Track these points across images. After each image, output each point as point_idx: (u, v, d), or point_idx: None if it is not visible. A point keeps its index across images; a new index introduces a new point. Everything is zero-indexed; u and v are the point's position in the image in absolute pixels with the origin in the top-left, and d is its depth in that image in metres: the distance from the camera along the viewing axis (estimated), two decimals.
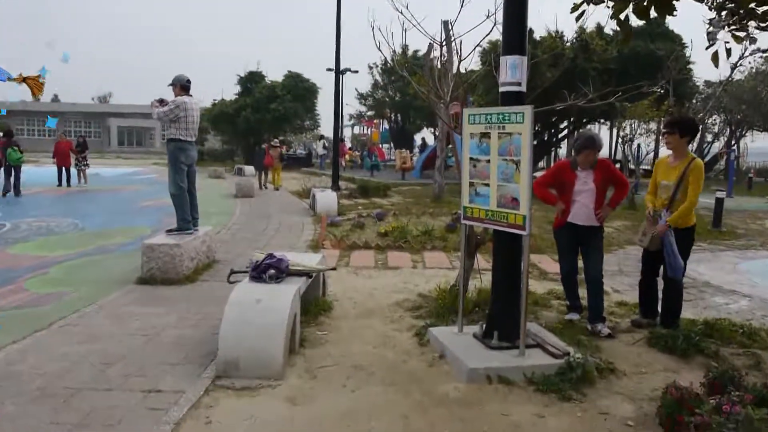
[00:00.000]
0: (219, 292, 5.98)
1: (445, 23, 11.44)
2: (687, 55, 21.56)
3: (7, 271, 7.35)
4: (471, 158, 4.47)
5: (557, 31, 19.49)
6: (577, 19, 3.86)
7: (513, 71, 4.24)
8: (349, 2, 31.96)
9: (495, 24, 5.41)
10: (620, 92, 6.36)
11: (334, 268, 5.81)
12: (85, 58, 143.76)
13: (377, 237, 9.84)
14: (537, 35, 19.48)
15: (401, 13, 5.67)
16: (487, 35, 5.59)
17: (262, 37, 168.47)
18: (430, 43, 16.07)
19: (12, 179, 16.79)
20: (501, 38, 4.41)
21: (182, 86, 7.41)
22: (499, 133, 4.19)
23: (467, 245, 5.18)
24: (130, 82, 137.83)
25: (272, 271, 4.57)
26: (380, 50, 5.86)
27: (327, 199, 13.23)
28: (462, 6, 5.64)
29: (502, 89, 4.34)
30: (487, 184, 4.33)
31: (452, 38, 6.93)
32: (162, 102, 7.38)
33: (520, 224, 4.11)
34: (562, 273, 5.51)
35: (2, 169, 16.96)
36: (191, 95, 7.49)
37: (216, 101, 40.69)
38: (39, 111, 70.34)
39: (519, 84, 4.26)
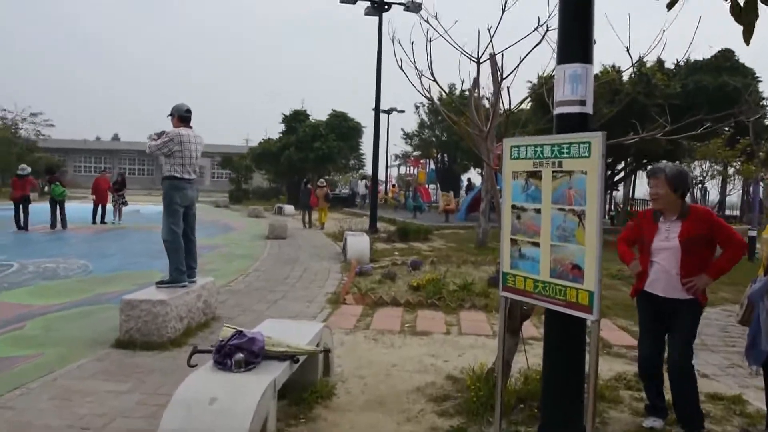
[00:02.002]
0: (207, 360, 4.83)
1: (492, 57, 10.37)
2: (760, 90, 19.74)
3: None
4: (514, 206, 3.22)
5: (613, 66, 18.13)
6: (669, 6, 2.64)
7: (574, 85, 3.01)
8: (395, 46, 31.39)
9: (547, 31, 4.21)
10: (699, 124, 5.02)
11: (328, 351, 4.57)
12: (147, 98, 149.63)
13: (408, 291, 8.58)
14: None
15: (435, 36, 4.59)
16: (536, 45, 4.38)
17: (309, 76, 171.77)
18: (475, 78, 14.91)
19: (57, 214, 17.25)
20: (556, 48, 3.20)
21: (180, 117, 6.47)
22: (553, 171, 2.95)
23: (508, 320, 3.89)
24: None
25: (240, 355, 3.38)
26: (425, 91, 4.75)
27: (359, 244, 12.07)
28: (504, 12, 4.49)
29: (557, 110, 3.11)
30: (537, 244, 3.07)
31: (498, 69, 5.77)
32: (161, 135, 6.44)
33: (584, 304, 2.82)
34: (639, 358, 4.12)
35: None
36: (191, 127, 6.53)
37: (263, 140, 40.68)
38: (98, 150, 72.77)
39: (583, 103, 3.02)
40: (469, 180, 34.94)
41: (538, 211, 3.06)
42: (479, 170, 40.58)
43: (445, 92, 4.65)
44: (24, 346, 5.63)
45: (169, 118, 6.53)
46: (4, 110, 58.05)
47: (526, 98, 5.79)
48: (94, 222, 19.16)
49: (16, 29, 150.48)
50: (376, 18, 18.78)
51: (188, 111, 6.50)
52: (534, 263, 3.11)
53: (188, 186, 6.41)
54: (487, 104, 6.15)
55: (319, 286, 9.14)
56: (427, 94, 4.79)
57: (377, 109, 19.04)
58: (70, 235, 16.05)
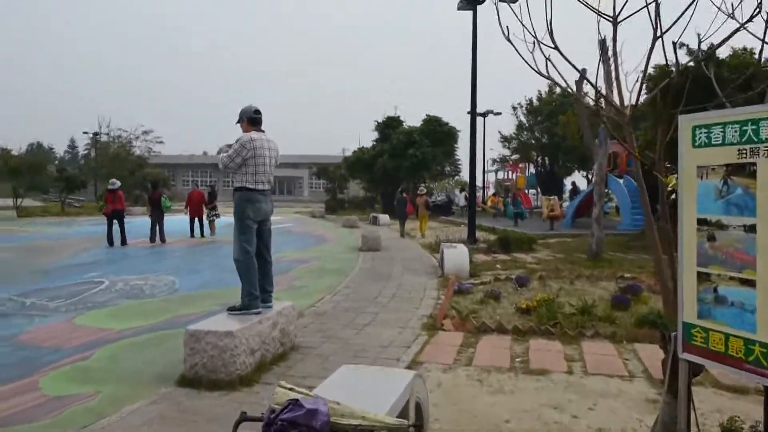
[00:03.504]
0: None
1: (602, 42, 9.01)
2: None
3: (50, 351, 5.96)
4: (703, 222, 2.06)
5: (745, 48, 15.86)
6: None
7: None
8: (489, 44, 30.07)
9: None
10: None
11: (419, 427, 3.49)
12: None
13: (516, 314, 7.39)
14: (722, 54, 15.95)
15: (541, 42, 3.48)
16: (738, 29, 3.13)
17: (402, 82, 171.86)
18: (582, 69, 13.38)
19: (157, 228, 17.56)
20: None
21: (250, 119, 5.70)
22: None
23: (669, 377, 2.70)
24: (282, 134, 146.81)
25: None
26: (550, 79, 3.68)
27: (457, 256, 10.96)
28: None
29: None
30: (749, 282, 1.89)
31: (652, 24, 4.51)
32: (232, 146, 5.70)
33: None
34: None
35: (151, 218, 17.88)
36: (263, 131, 5.74)
37: (357, 149, 40.47)
38: (203, 164, 76.10)
39: None
40: (573, 183, 32.78)
41: (752, 228, 1.89)
42: (584, 172, 38.22)
43: (571, 63, 3.47)
44: (82, 382, 5.03)
45: (238, 124, 5.79)
46: (120, 129, 62.10)
47: (688, 63, 4.46)
48: (192, 235, 19.29)
49: (129, 54, 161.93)
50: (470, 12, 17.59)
51: (257, 112, 5.72)
52: (744, 312, 1.93)
53: (262, 198, 5.62)
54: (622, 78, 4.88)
55: (413, 307, 8.14)
56: (543, 72, 3.67)
57: (473, 112, 17.85)
58: (165, 250, 16.08)
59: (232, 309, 5.55)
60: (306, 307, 8.11)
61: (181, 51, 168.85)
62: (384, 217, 28.39)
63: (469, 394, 4.67)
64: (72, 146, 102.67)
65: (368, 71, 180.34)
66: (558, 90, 36.96)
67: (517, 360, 5.59)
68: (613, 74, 3.54)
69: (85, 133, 59.37)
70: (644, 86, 3.54)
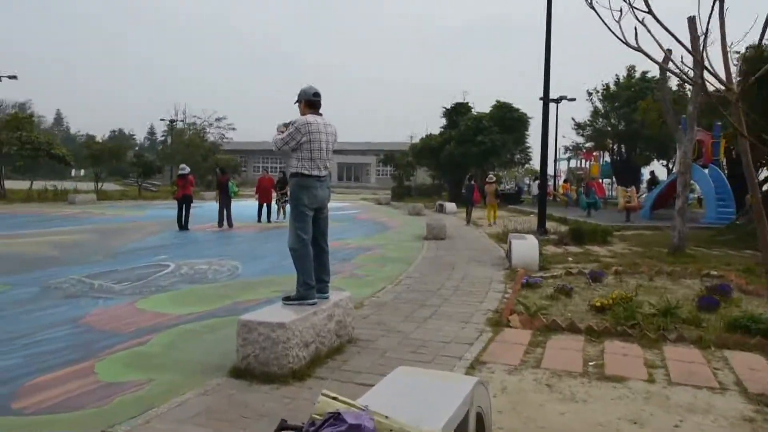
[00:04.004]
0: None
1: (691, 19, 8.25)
2: None
3: (110, 335, 5.96)
4: None
5: None
6: None
7: None
8: (564, 25, 28.87)
9: None
10: None
11: None
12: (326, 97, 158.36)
13: (590, 312, 6.87)
14: None
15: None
16: None
17: (471, 66, 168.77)
18: (668, 49, 12.37)
19: (225, 213, 17.82)
20: None
21: (308, 102, 5.44)
22: None
23: None
24: (350, 121, 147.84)
25: None
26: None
27: (526, 248, 10.44)
28: None
29: None
30: None
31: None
32: (288, 126, 5.48)
33: None
34: None
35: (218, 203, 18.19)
36: (321, 114, 5.48)
37: (425, 136, 40.02)
38: (271, 150, 77.53)
39: None
40: (652, 173, 31.09)
41: None
42: (663, 162, 36.27)
43: (666, 29, 2.99)
44: (136, 369, 4.95)
45: (296, 105, 5.54)
46: (194, 116, 64.16)
47: None
48: (259, 220, 19.51)
49: (202, 44, 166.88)
50: None
51: (317, 94, 5.45)
52: None
53: (318, 184, 5.36)
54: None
55: (478, 300, 7.74)
56: (632, 42, 3.20)
57: (545, 98, 17.06)
58: (232, 235, 16.28)
59: (287, 299, 5.34)
60: (366, 297, 7.86)
61: (256, 41, 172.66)
62: (450, 205, 27.91)
63: (536, 401, 4.26)
64: (151, 132, 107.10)
65: (437, 54, 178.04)
66: (638, 74, 35.17)
67: (590, 364, 5.12)
68: (720, 47, 3.02)
69: (162, 120, 61.66)
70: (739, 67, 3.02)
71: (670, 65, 4.16)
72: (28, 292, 7.95)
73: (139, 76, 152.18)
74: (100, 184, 35.58)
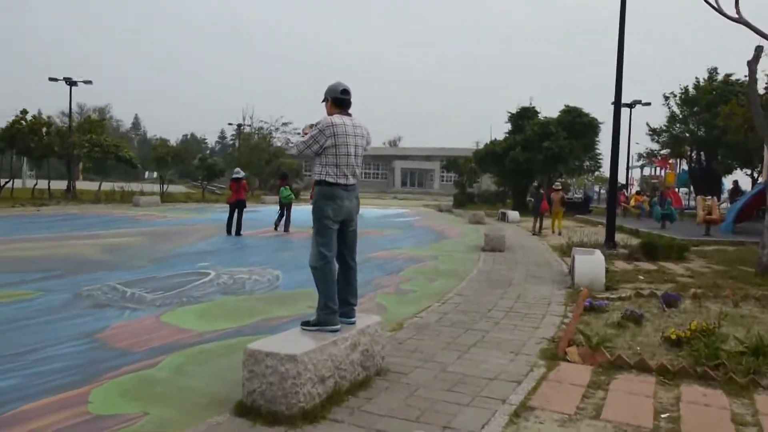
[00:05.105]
0: None
1: None
2: None
3: (120, 354, 5.50)
4: None
5: None
6: None
7: None
8: (638, 27, 27.14)
9: None
10: None
11: None
12: (388, 101, 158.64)
13: (662, 346, 5.90)
14: None
15: None
16: None
17: (541, 70, 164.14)
18: (758, 46, 11.08)
19: (283, 218, 17.91)
20: None
21: (335, 100, 4.79)
22: None
23: None
24: (418, 126, 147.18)
25: None
26: None
27: (591, 265, 9.42)
28: None
29: None
30: None
31: None
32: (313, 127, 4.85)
33: None
34: None
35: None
36: (350, 114, 4.83)
37: (489, 142, 38.91)
38: None
39: None
40: (735, 183, 28.84)
41: None
42: (748, 170, 33.69)
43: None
44: (133, 399, 4.42)
45: (323, 104, 4.92)
46: (261, 121, 65.29)
47: None
48: None
49: (266, 50, 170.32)
50: None
51: (345, 92, 4.80)
52: None
53: (344, 194, 4.70)
54: None
55: (532, 326, 6.88)
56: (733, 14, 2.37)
57: (617, 103, 15.80)
58: (283, 241, 15.93)
59: (306, 324, 4.69)
60: (408, 317, 7.15)
61: (328, 49, 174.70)
62: (513, 214, 26.78)
63: None
64: (222, 137, 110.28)
65: (503, 55, 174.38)
66: (720, 77, 32.85)
67: (663, 417, 4.21)
68: None
69: (230, 124, 62.97)
70: None
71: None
72: (58, 300, 7.69)
73: (212, 81, 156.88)
74: (165, 186, 36.41)
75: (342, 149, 4.64)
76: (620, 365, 5.29)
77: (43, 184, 31.78)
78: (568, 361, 5.47)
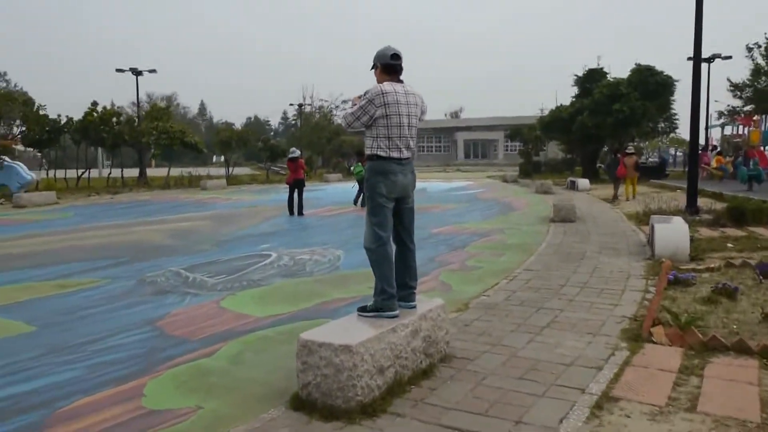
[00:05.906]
0: None
1: None
2: None
3: (178, 342, 5.39)
4: None
5: None
6: None
7: None
8: None
9: None
10: None
11: None
12: (444, 71, 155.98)
13: (764, 323, 5.25)
14: None
15: None
16: None
17: (607, 29, 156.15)
18: None
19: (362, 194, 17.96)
20: None
21: (385, 66, 4.39)
22: None
23: None
24: (480, 95, 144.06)
25: None
26: None
27: (673, 234, 8.68)
28: None
29: None
30: None
31: None
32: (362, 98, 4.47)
33: None
34: None
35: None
36: (401, 81, 4.42)
37: (554, 107, 37.41)
38: None
39: None
40: None
41: None
42: None
43: None
44: (188, 391, 4.25)
45: (372, 71, 4.52)
46: (321, 99, 65.50)
47: None
48: None
49: (327, 25, 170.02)
50: None
51: (396, 56, 4.38)
52: None
53: (398, 169, 4.31)
54: None
55: (611, 303, 6.33)
56: None
57: (696, 58, 14.56)
58: (349, 218, 15.77)
59: (362, 309, 4.38)
60: (473, 296, 6.74)
61: (394, 21, 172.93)
62: (583, 182, 25.65)
63: None
64: (284, 118, 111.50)
65: (569, 18, 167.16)
66: None
67: None
68: None
69: (291, 104, 63.43)
70: None
71: None
72: (123, 287, 7.73)
73: (270, 64, 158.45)
74: (231, 169, 37.09)
75: (394, 119, 4.25)
76: (715, 347, 4.71)
77: (117, 172, 32.97)
78: (654, 342, 4.94)
